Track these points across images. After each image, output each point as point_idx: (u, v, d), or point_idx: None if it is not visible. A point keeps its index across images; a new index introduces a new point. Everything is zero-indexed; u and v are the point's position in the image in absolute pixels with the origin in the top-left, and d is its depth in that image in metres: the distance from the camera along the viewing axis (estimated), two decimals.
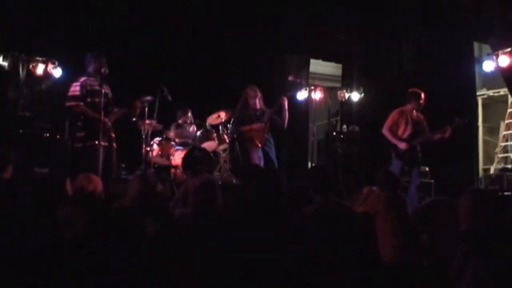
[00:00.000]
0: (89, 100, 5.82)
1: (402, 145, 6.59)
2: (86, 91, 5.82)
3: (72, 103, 5.82)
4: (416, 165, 6.63)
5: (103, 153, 5.82)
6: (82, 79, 5.85)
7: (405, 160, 6.58)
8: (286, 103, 6.76)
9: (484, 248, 3.45)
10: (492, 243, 3.47)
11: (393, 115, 6.77)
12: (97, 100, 5.74)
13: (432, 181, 8.11)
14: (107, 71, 5.86)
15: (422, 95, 6.76)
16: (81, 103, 5.79)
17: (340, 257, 3.71)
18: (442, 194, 5.14)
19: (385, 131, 6.76)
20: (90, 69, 5.92)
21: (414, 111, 6.78)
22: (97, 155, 5.66)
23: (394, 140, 6.66)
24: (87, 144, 5.77)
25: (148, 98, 6.43)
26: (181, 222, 3.49)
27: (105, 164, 5.83)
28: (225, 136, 7.56)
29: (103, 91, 5.72)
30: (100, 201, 3.90)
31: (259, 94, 6.89)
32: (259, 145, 6.64)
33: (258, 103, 6.89)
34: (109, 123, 5.94)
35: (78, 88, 5.80)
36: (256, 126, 6.70)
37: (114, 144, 6.05)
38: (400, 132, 6.71)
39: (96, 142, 5.67)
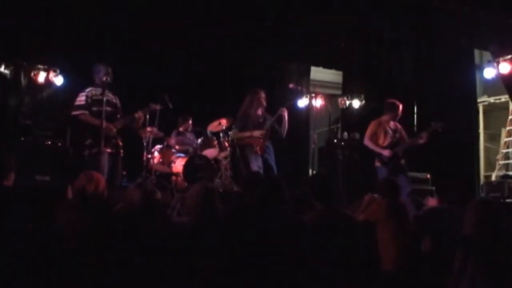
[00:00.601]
0: (94, 109, 5.93)
1: (386, 153, 6.67)
2: (92, 101, 5.94)
3: (77, 112, 5.95)
4: (401, 172, 6.65)
5: (109, 160, 5.90)
6: (88, 89, 5.99)
7: (389, 168, 6.61)
8: (286, 114, 6.78)
9: (484, 254, 3.45)
10: (492, 249, 3.47)
11: (372, 127, 6.88)
12: (101, 109, 5.80)
13: (433, 187, 8.10)
14: (108, 79, 5.95)
15: (400, 106, 6.83)
16: (87, 112, 5.91)
17: (341, 265, 3.71)
18: (443, 201, 5.14)
19: (366, 142, 6.85)
20: (96, 79, 6.05)
21: (391, 121, 6.85)
22: (103, 162, 5.70)
23: (377, 149, 6.75)
24: (93, 151, 5.84)
25: (157, 107, 6.45)
26: (181, 229, 3.49)
27: (110, 171, 5.89)
28: (226, 143, 7.57)
29: (104, 99, 5.78)
30: (101, 200, 3.88)
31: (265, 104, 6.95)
32: (259, 152, 6.64)
33: (261, 110, 6.92)
34: (114, 130, 6.00)
35: (83, 98, 5.94)
36: (256, 133, 6.70)
37: (121, 151, 6.11)
38: (380, 142, 6.80)
39: (102, 149, 5.71)
